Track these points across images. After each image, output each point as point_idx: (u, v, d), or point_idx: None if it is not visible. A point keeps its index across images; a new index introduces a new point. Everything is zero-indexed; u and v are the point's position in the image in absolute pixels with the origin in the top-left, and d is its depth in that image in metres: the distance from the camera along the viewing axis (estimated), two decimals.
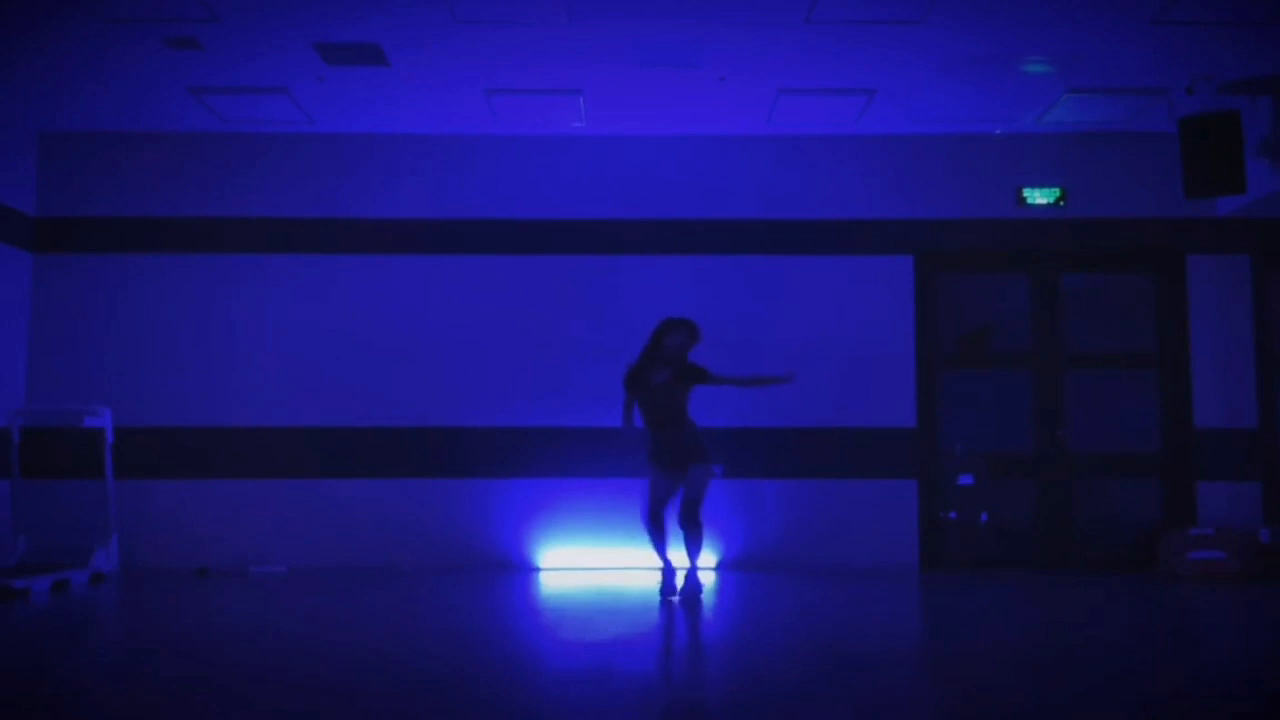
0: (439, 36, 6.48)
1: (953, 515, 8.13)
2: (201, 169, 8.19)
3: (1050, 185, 8.18)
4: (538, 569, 7.90)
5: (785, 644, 5.13)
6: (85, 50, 6.66)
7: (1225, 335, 8.08)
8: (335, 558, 7.88)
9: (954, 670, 4.50)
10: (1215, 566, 7.21)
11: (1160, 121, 7.78)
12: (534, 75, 7.09)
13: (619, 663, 4.71)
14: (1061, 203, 8.17)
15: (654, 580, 6.93)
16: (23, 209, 8.03)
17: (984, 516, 8.11)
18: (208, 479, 7.96)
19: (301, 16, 6.22)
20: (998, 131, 8.18)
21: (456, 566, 7.85)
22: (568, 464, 7.91)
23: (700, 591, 6.48)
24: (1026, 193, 8.17)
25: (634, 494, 6.96)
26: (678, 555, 6.65)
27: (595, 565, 7.75)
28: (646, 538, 6.61)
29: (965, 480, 8.13)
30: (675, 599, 6.43)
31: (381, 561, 7.88)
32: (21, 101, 7.56)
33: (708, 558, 7.91)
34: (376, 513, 7.94)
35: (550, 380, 7.99)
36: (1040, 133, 8.16)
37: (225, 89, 7.30)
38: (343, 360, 8.06)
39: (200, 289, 8.12)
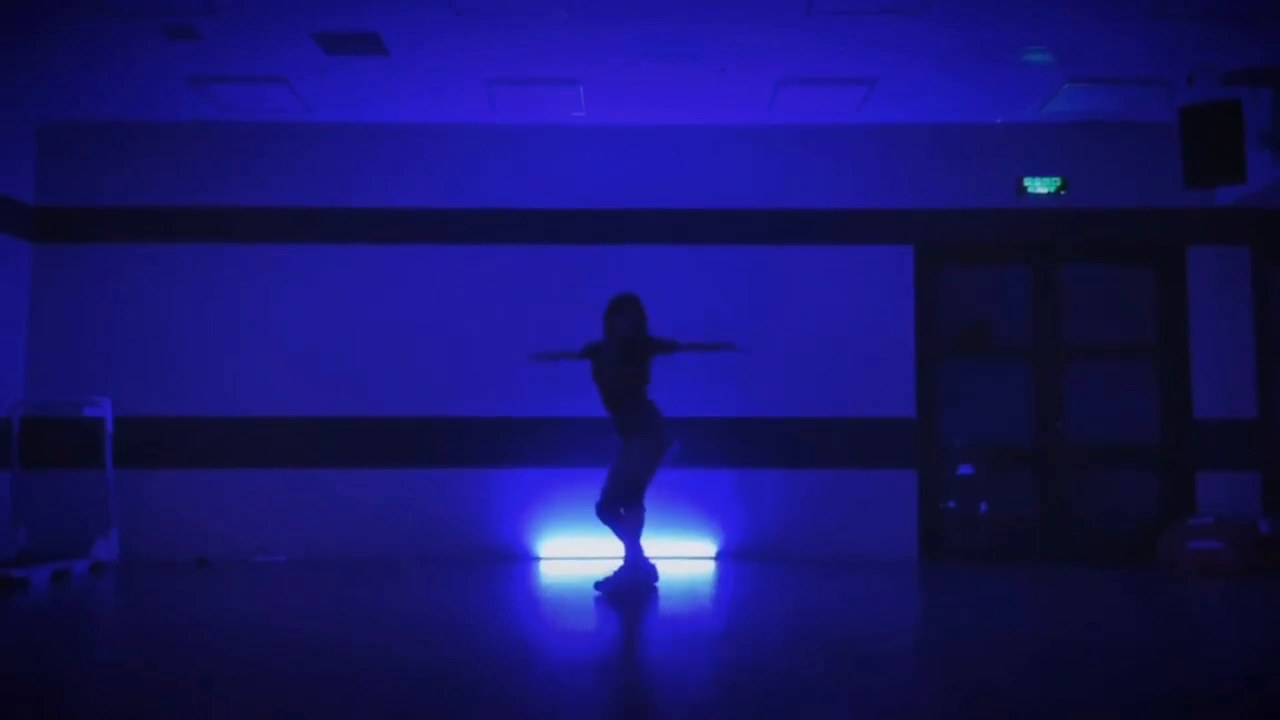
0: (438, 27, 6.45)
1: (952, 506, 8.14)
2: (200, 159, 8.18)
3: (1051, 175, 8.17)
4: (538, 558, 7.91)
5: (786, 636, 5.14)
6: (84, 40, 6.63)
7: (1225, 326, 8.07)
8: (334, 548, 7.89)
9: (954, 667, 4.51)
10: (1215, 557, 7.21)
11: (1161, 111, 7.75)
12: (534, 65, 7.07)
13: (619, 653, 4.72)
14: (1062, 193, 8.15)
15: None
16: (22, 199, 8.02)
17: (984, 507, 8.12)
18: (207, 469, 7.96)
19: (300, 6, 6.19)
20: (999, 121, 8.16)
21: (456, 556, 7.85)
22: (568, 454, 7.90)
23: (618, 586, 6.34)
24: (1027, 182, 8.16)
25: None
26: (652, 544, 6.63)
27: (595, 554, 7.75)
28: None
29: (965, 471, 8.13)
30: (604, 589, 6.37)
31: (381, 552, 7.89)
32: (21, 92, 7.53)
33: (705, 547, 7.93)
34: (376, 503, 7.94)
35: (550, 370, 7.95)
36: (1041, 122, 8.13)
37: (224, 79, 7.27)
38: (342, 350, 8.06)
39: (199, 279, 8.11)
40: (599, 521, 6.41)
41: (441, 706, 3.65)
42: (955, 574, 7.30)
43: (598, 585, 6.33)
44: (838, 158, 8.22)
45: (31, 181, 8.12)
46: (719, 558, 7.92)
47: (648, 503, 6.46)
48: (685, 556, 7.83)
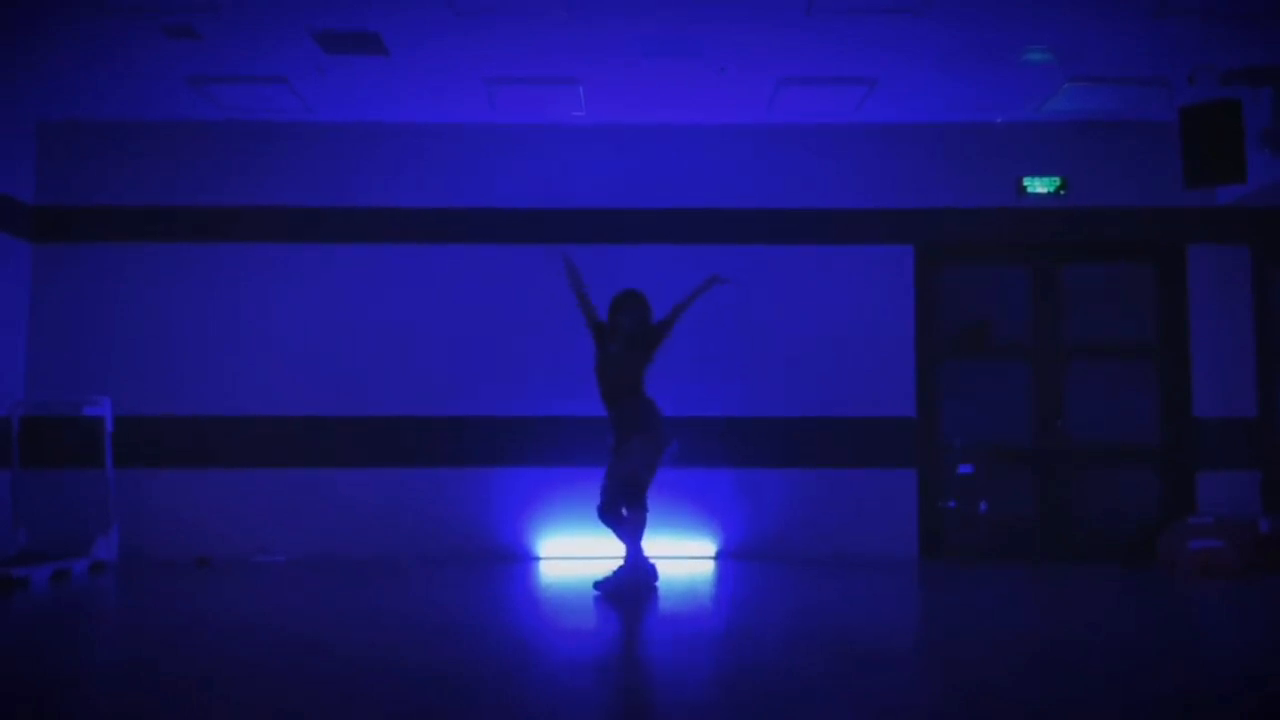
0: (438, 27, 6.45)
1: (952, 505, 8.14)
2: (200, 159, 8.17)
3: (1051, 175, 8.17)
4: (538, 558, 7.91)
5: (786, 636, 5.14)
6: (84, 40, 6.64)
7: (1225, 325, 8.07)
8: (335, 548, 7.89)
9: (954, 667, 4.50)
10: (1215, 556, 7.21)
11: (1161, 111, 7.75)
12: (534, 65, 7.07)
13: (619, 653, 4.72)
14: (1062, 192, 8.15)
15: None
16: (22, 198, 8.02)
17: (983, 507, 8.12)
18: (207, 469, 7.96)
19: (300, 5, 6.19)
20: (999, 121, 8.16)
21: (456, 556, 7.85)
22: (568, 453, 7.90)
23: (618, 586, 6.31)
24: (1027, 182, 8.16)
25: None
26: (652, 544, 6.61)
27: (595, 554, 7.75)
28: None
29: (965, 471, 8.13)
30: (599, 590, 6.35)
31: (381, 552, 7.89)
32: (21, 91, 7.54)
33: (705, 547, 7.93)
34: (376, 503, 7.94)
35: (550, 369, 7.97)
36: (1041, 122, 8.13)
37: (224, 78, 7.27)
38: (342, 350, 8.06)
39: (199, 279, 8.11)
40: (600, 523, 6.41)
41: (441, 706, 3.65)
42: (955, 573, 7.30)
43: (597, 585, 6.33)
44: (837, 157, 8.22)
45: (31, 181, 8.12)
46: (719, 557, 7.92)
47: (649, 503, 6.45)
48: (685, 556, 7.83)
